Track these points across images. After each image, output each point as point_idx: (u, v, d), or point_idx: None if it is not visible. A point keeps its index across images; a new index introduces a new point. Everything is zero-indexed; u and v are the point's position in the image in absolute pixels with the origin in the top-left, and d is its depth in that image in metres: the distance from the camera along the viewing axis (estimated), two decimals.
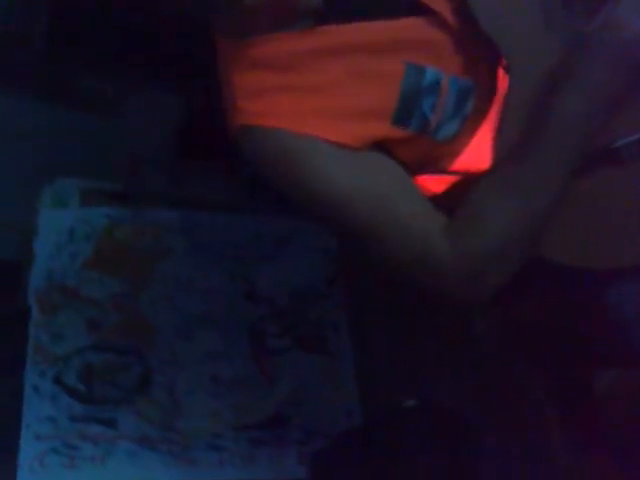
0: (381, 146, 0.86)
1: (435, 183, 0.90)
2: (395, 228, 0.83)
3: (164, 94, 1.63)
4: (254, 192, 1.65)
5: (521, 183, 0.81)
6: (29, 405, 1.42)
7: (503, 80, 0.89)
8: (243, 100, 0.85)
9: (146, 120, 1.64)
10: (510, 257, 0.82)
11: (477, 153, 0.89)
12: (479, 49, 0.87)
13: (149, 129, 1.65)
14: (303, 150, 0.83)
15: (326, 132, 0.83)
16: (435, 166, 0.89)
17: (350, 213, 0.84)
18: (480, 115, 0.88)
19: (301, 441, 1.47)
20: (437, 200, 0.88)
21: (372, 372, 1.54)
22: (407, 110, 0.85)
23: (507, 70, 0.86)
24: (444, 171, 0.90)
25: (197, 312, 1.57)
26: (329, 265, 1.65)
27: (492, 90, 0.89)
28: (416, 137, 0.86)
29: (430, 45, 0.86)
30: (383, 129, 0.84)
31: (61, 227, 1.60)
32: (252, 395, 1.50)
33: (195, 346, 1.53)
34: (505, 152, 0.83)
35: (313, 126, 0.83)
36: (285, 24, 0.84)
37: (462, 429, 1.00)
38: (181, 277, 1.60)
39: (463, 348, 1.22)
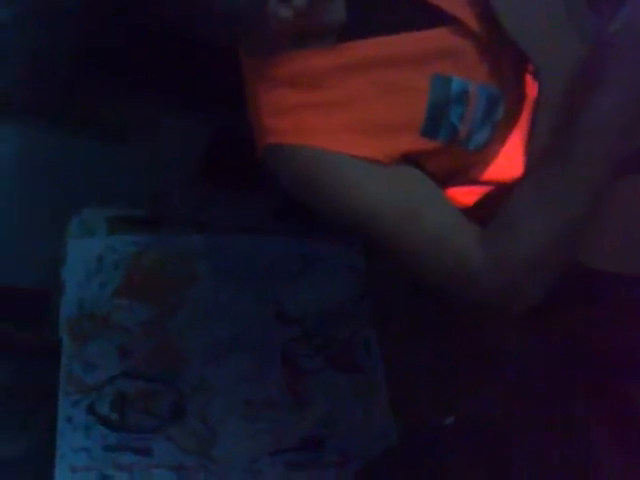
0: (410, 159, 0.85)
1: (466, 195, 0.89)
2: (428, 241, 0.82)
3: (189, 121, 1.63)
4: (279, 216, 1.65)
5: (556, 189, 0.80)
6: (63, 436, 1.41)
7: (531, 85, 0.88)
8: (270, 118, 0.85)
9: (170, 147, 1.65)
10: (548, 266, 0.81)
11: (508, 161, 0.88)
12: (505, 55, 0.87)
13: (174, 156, 1.65)
14: (332, 167, 0.82)
15: (355, 148, 0.82)
16: (466, 176, 0.88)
17: (382, 228, 0.83)
18: (510, 122, 0.88)
19: (338, 463, 1.46)
20: (469, 212, 0.87)
21: (406, 390, 1.52)
22: (435, 121, 0.84)
23: (535, 74, 0.86)
24: (475, 181, 0.89)
25: (227, 336, 1.56)
26: (357, 283, 1.64)
27: (521, 96, 0.88)
28: (446, 148, 0.85)
29: (455, 54, 0.85)
30: (412, 142, 0.84)
31: (90, 256, 1.61)
32: (286, 418, 1.49)
33: (226, 371, 1.52)
34: (538, 158, 0.82)
35: (342, 142, 0.82)
36: (310, 42, 0.84)
37: (501, 444, 0.98)
38: (209, 301, 1.59)
39: (499, 363, 1.19)
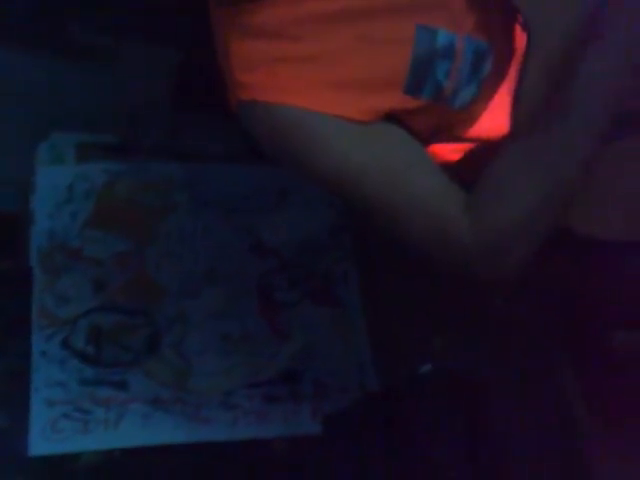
0: (392, 116, 0.81)
1: (450, 151, 0.85)
2: (411, 204, 0.79)
3: (163, 45, 1.56)
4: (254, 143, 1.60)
5: (545, 151, 0.76)
6: (37, 370, 1.40)
7: (520, 38, 0.83)
8: (241, 73, 0.79)
9: (144, 71, 1.58)
10: (536, 230, 0.78)
11: (495, 118, 0.84)
12: (492, 5, 0.81)
13: (147, 81, 1.59)
14: (309, 127, 0.77)
15: (333, 106, 0.77)
16: (450, 134, 0.84)
17: (362, 191, 0.79)
18: (498, 77, 0.83)
19: (314, 395, 1.46)
20: (453, 169, 0.83)
21: (383, 323, 1.52)
22: (419, 78, 0.79)
23: (524, 27, 0.80)
24: (460, 138, 0.85)
25: (203, 268, 1.53)
26: (336, 214, 1.61)
27: (509, 49, 0.83)
28: (430, 105, 0.80)
29: (441, 4, 0.80)
30: (394, 99, 0.79)
31: (59, 184, 1.56)
32: (263, 351, 1.48)
33: (203, 304, 1.50)
34: (527, 116, 0.78)
35: (319, 100, 0.77)
36: None
37: (477, 391, 0.98)
38: (185, 232, 1.56)
39: (479, 310, 1.18)
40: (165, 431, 1.39)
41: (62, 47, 1.60)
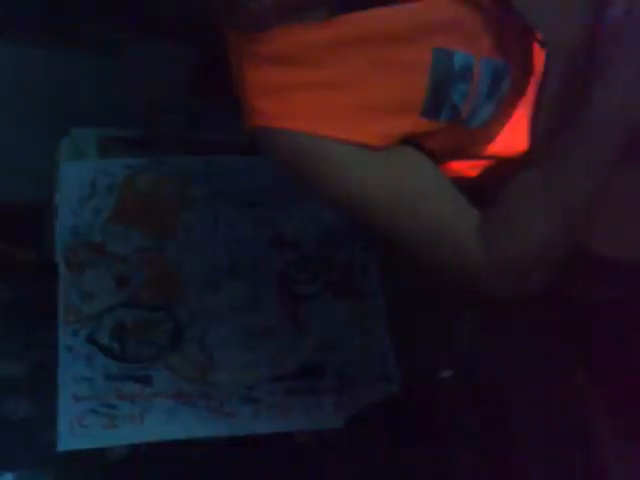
0: (409, 139, 0.80)
1: (468, 168, 0.85)
2: (425, 231, 0.78)
3: (178, 41, 1.56)
4: None
5: (558, 180, 0.76)
6: (64, 365, 1.42)
7: (538, 56, 0.82)
8: (257, 99, 0.79)
9: (162, 65, 1.58)
10: (551, 257, 0.78)
11: (513, 135, 0.83)
12: (509, 24, 0.80)
13: (163, 75, 1.59)
14: (325, 154, 0.77)
15: (349, 132, 0.77)
16: (468, 153, 0.84)
17: (378, 217, 0.79)
18: (516, 96, 0.82)
19: (336, 389, 1.47)
20: (471, 184, 0.83)
21: (405, 315, 1.52)
22: (437, 101, 0.78)
23: (542, 45, 0.79)
24: (477, 156, 0.84)
25: (224, 262, 1.54)
26: None
27: (527, 67, 0.82)
28: (446, 127, 0.80)
29: (457, 25, 0.78)
30: (411, 123, 0.78)
31: (82, 180, 1.57)
32: (284, 344, 1.49)
33: (224, 298, 1.52)
34: (544, 135, 0.77)
35: (335, 127, 0.77)
36: (300, 15, 0.77)
37: (498, 406, 0.98)
38: (205, 226, 1.57)
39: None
40: (189, 425, 1.41)
41: (78, 43, 1.60)
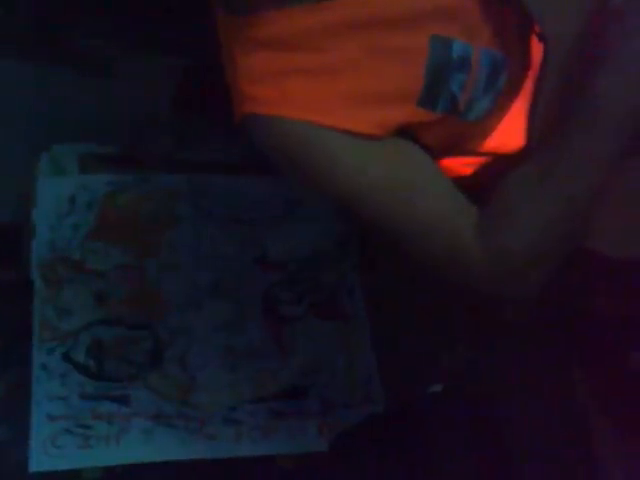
0: (404, 130, 0.78)
1: (462, 165, 0.83)
2: (422, 224, 0.76)
3: (165, 55, 1.55)
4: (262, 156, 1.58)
5: (559, 174, 0.74)
6: (38, 384, 1.38)
7: (537, 49, 0.80)
8: (248, 85, 0.76)
9: (146, 82, 1.56)
10: (551, 254, 0.75)
11: (509, 131, 0.81)
12: (508, 14, 0.79)
13: (149, 91, 1.57)
14: (318, 142, 0.75)
15: (343, 120, 0.74)
16: (463, 147, 0.82)
17: (372, 208, 0.77)
18: (513, 90, 0.80)
19: (320, 411, 1.44)
20: (465, 183, 0.81)
21: (390, 338, 1.50)
22: (434, 90, 0.77)
23: (541, 38, 0.78)
24: (473, 152, 0.82)
25: (207, 281, 1.51)
26: (343, 227, 1.59)
27: (525, 61, 0.81)
28: (443, 119, 0.78)
29: (456, 14, 0.77)
30: (407, 113, 0.76)
31: (61, 195, 1.54)
32: (268, 366, 1.46)
33: (206, 317, 1.48)
34: (542, 130, 0.76)
35: (329, 114, 0.74)
36: None
37: (491, 422, 0.95)
38: (189, 244, 1.54)
39: (488, 325, 1.16)
40: (167, 447, 1.36)
41: (63, 57, 1.58)
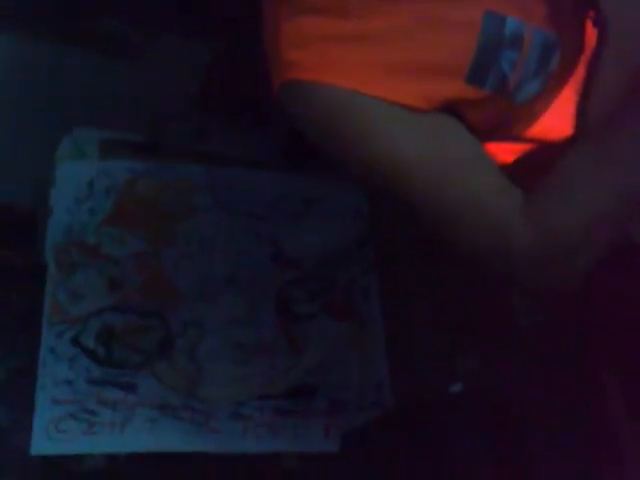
0: (449, 107, 0.76)
1: (505, 152, 0.81)
2: (467, 206, 0.74)
3: (194, 42, 1.53)
4: (283, 152, 1.57)
5: (617, 157, 0.71)
6: (45, 367, 1.35)
7: (591, 34, 0.78)
8: (291, 51, 0.74)
9: (174, 69, 1.55)
10: (598, 241, 0.73)
11: (556, 117, 0.79)
12: None
13: (175, 81, 1.56)
14: (359, 110, 0.72)
15: (387, 90, 0.72)
16: (509, 131, 0.80)
17: (412, 185, 0.74)
18: (564, 74, 0.79)
19: (327, 412, 1.41)
20: (507, 171, 0.79)
21: (403, 341, 1.47)
22: (483, 67, 0.75)
23: (596, 23, 0.77)
24: (518, 138, 0.80)
25: (221, 274, 1.49)
26: (360, 227, 1.57)
27: (578, 45, 0.79)
28: (491, 98, 0.76)
29: None
30: (455, 88, 0.75)
31: (80, 180, 1.52)
32: (278, 363, 1.43)
33: (219, 309, 1.46)
34: (598, 117, 0.74)
35: (372, 83, 0.72)
36: None
37: (511, 422, 0.93)
38: (205, 236, 1.52)
39: (503, 329, 1.13)
40: (172, 438, 1.34)
41: (93, 42, 1.57)
